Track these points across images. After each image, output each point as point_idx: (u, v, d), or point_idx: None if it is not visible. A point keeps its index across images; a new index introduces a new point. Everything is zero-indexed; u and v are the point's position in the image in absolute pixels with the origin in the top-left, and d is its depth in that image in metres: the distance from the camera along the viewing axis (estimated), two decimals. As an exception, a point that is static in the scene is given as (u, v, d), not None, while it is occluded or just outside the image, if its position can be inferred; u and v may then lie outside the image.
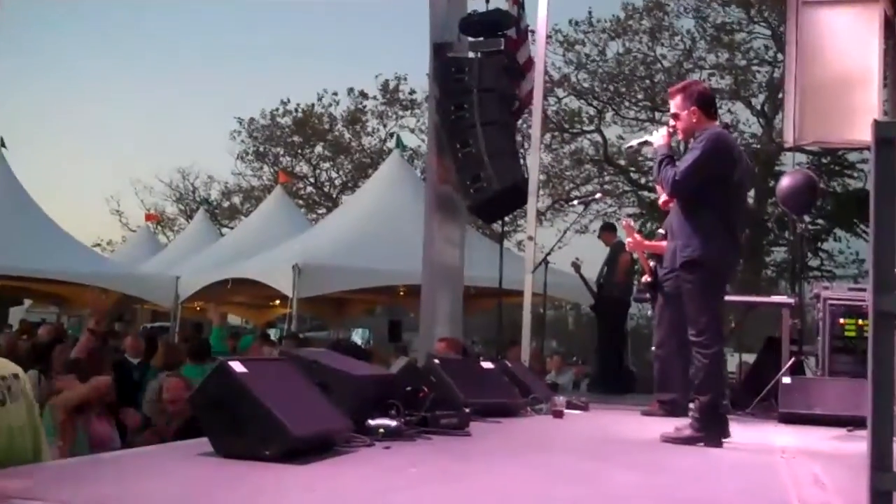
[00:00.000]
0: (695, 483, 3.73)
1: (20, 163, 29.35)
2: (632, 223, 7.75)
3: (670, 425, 5.02)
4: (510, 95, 9.24)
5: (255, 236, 17.22)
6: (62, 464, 3.32)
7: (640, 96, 24.98)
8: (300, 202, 30.52)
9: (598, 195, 16.59)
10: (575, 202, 15.89)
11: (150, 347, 9.70)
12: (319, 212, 31.51)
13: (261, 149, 33.18)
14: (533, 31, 10.09)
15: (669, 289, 6.56)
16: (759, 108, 23.75)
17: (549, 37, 13.05)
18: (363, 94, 30.72)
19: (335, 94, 31.31)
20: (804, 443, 5.33)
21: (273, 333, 15.80)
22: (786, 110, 9.53)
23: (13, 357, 4.52)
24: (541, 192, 22.89)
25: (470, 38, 9.01)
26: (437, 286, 8.84)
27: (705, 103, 5.03)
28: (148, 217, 29.54)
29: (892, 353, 2.17)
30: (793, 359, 7.64)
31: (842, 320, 7.75)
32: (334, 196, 32.55)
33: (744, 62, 23.66)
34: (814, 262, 22.29)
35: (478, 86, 8.61)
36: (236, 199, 35.54)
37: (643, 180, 24.58)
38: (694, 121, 4.97)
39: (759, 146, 22.78)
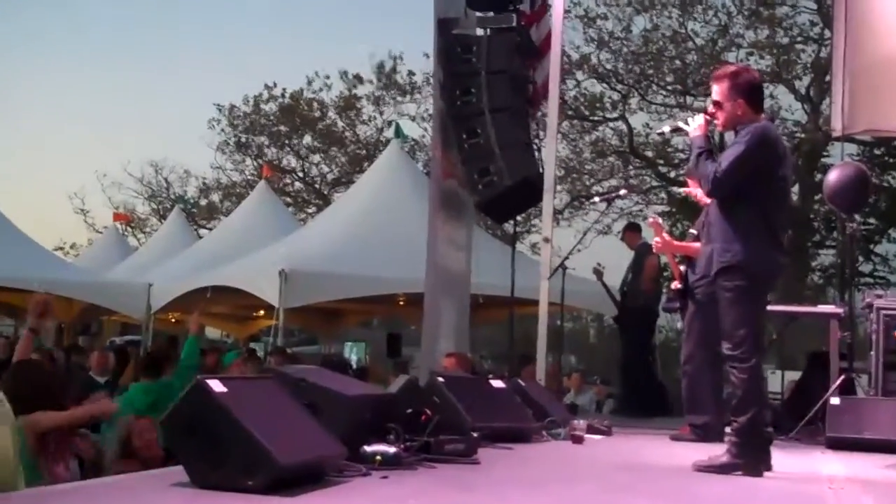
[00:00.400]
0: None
1: (-29, 155, 29.41)
2: (660, 221, 7.71)
3: (702, 452, 5.02)
4: (523, 78, 9.23)
5: (236, 238, 17.24)
6: (16, 495, 3.32)
7: (669, 79, 24.94)
8: (287, 200, 30.57)
9: (622, 191, 16.52)
10: (596, 199, 15.82)
11: (120, 364, 9.68)
12: (309, 211, 31.61)
13: (243, 139, 33.25)
14: (549, 6, 10.09)
15: (701, 296, 6.57)
16: (803, 92, 23.72)
17: (567, 11, 13.06)
18: (357, 78, 30.80)
19: (326, 77, 31.42)
20: (854, 471, 5.32)
21: (258, 348, 15.81)
22: (834, 95, 9.54)
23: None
24: (558, 188, 22.97)
25: (478, 14, 9.01)
26: (441, 295, 8.84)
27: (754, 95, 5.05)
28: (116, 217, 29.60)
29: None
30: (842, 376, 7.62)
31: (897, 333, 7.74)
32: (325, 193, 32.61)
33: (786, 40, 23.63)
34: (865, 267, 22.28)
35: (487, 67, 8.60)
36: (215, 197, 35.64)
37: (673, 174, 24.59)
38: (739, 113, 4.98)
39: (803, 135, 22.76)
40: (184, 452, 3.40)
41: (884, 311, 7.79)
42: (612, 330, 16.61)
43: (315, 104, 31.78)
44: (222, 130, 33.12)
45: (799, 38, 23.54)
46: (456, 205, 9.17)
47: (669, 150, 24.64)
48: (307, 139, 32.72)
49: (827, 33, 20.75)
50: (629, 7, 24.21)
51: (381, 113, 31.24)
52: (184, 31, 64.03)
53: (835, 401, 6.93)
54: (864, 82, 9.09)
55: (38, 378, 4.83)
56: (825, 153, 22.09)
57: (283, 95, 31.81)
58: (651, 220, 7.73)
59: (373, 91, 30.91)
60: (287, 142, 32.91)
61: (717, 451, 4.90)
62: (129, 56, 64.79)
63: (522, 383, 6.98)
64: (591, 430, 6.49)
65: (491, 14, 8.95)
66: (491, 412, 5.60)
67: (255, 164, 32.52)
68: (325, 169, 33.47)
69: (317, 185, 33.42)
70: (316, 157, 33.27)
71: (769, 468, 4.85)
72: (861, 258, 20.96)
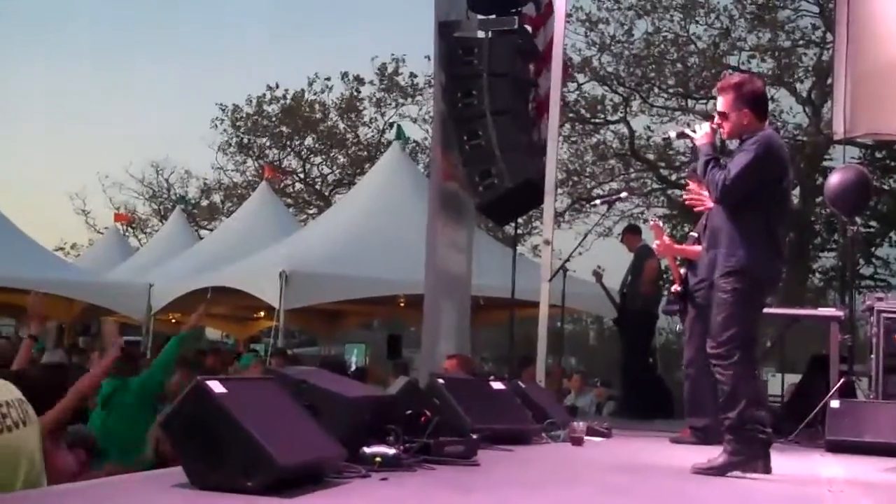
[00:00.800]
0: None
1: (-27, 155, 29.44)
2: (660, 224, 7.72)
3: (702, 454, 5.03)
4: (525, 81, 9.24)
5: (237, 239, 17.26)
6: (17, 495, 3.33)
7: (670, 82, 24.97)
8: (288, 201, 30.61)
9: (623, 194, 16.54)
10: (597, 202, 15.87)
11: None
12: (310, 212, 31.62)
13: (244, 140, 33.26)
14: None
15: (701, 299, 6.58)
16: (804, 95, 23.73)
17: (568, 15, 13.07)
18: (359, 80, 30.80)
19: (328, 78, 31.46)
20: (854, 474, 5.32)
21: (259, 349, 15.80)
22: (835, 98, 9.54)
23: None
24: (559, 191, 22.95)
25: (479, 16, 9.02)
26: (442, 296, 8.84)
27: (759, 105, 5.13)
28: (117, 217, 29.63)
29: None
30: (842, 380, 7.62)
31: (898, 336, 7.74)
32: (327, 194, 32.64)
33: (788, 43, 23.65)
34: (866, 270, 22.28)
35: (488, 70, 8.62)
36: (216, 198, 35.66)
37: (674, 177, 24.59)
38: (745, 123, 5.05)
39: (804, 138, 22.78)
40: (184, 452, 3.41)
41: (884, 314, 7.79)
42: (613, 332, 16.60)
43: (317, 105, 31.80)
44: (224, 131, 33.20)
45: (801, 42, 23.56)
46: (456, 207, 9.17)
47: (671, 152, 24.65)
48: (309, 140, 32.75)
49: (829, 37, 20.75)
50: (630, 11, 24.25)
51: (383, 115, 31.33)
52: (185, 31, 64.09)
53: (835, 404, 6.94)
54: (866, 86, 9.10)
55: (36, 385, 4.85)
56: (827, 156, 22.10)
57: (284, 96, 31.86)
58: (652, 223, 7.74)
59: (374, 93, 30.97)
60: (288, 143, 32.93)
61: (716, 454, 4.92)
62: (130, 56, 64.88)
63: (522, 385, 6.98)
64: (591, 432, 6.49)
65: (493, 17, 8.96)
66: (491, 414, 5.61)
67: (257, 164, 32.55)
68: (327, 170, 33.57)
69: (318, 187, 33.45)
70: (317, 159, 33.34)
71: (769, 471, 4.86)
72: (862, 261, 20.97)
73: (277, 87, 31.91)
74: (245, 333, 21.47)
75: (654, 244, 7.60)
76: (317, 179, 33.58)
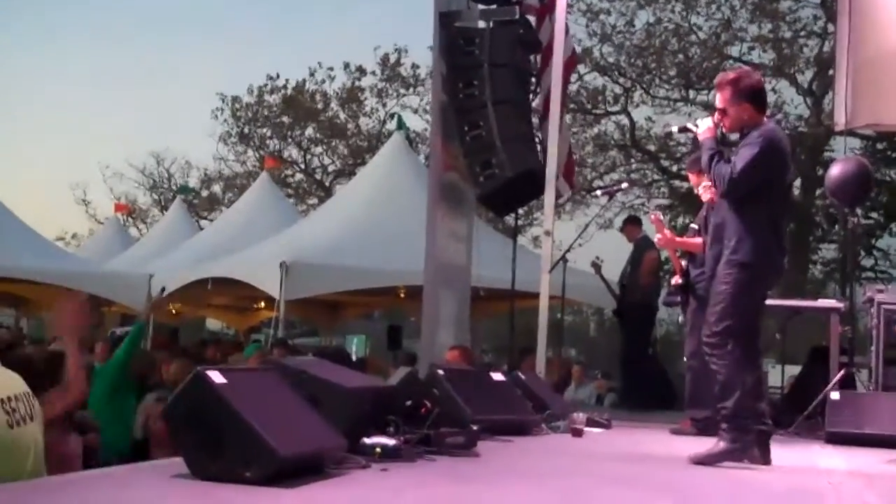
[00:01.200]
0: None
1: (-27, 145, 29.45)
2: (661, 217, 7.72)
3: (702, 445, 5.04)
4: (526, 71, 9.23)
5: (237, 230, 17.24)
6: (15, 485, 3.34)
7: (672, 72, 24.91)
8: (289, 191, 30.59)
9: (624, 185, 16.47)
10: (598, 193, 15.85)
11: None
12: (310, 202, 31.59)
13: (245, 130, 33.22)
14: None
15: (702, 291, 6.58)
16: (806, 86, 23.69)
17: (569, 5, 13.04)
18: (360, 70, 30.74)
19: (330, 69, 31.36)
20: (854, 466, 5.33)
21: (261, 339, 15.79)
22: (836, 89, 9.54)
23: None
24: (559, 181, 22.88)
25: (480, 6, 9.01)
26: (441, 287, 8.84)
27: (757, 98, 5.16)
28: (118, 207, 29.61)
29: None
30: (842, 371, 7.64)
31: (898, 327, 7.75)
32: (327, 184, 32.61)
33: (789, 34, 23.60)
34: (867, 262, 22.28)
35: (489, 60, 8.61)
36: (217, 188, 35.67)
37: (675, 168, 24.57)
38: (746, 117, 5.09)
39: (805, 129, 22.74)
40: (184, 443, 3.41)
41: (884, 306, 7.81)
42: (613, 323, 16.60)
43: (318, 96, 31.74)
44: (225, 121, 33.15)
45: (802, 33, 23.50)
46: (456, 197, 9.17)
47: (671, 143, 24.61)
48: (309, 131, 32.68)
49: (830, 27, 20.73)
50: (632, 1, 24.18)
51: (384, 105, 31.25)
52: (187, 21, 63.98)
53: (835, 395, 6.95)
54: (867, 77, 9.09)
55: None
56: (827, 147, 22.08)
57: (285, 87, 31.80)
58: (653, 216, 7.74)
59: (376, 83, 30.89)
60: (289, 133, 32.88)
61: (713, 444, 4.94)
62: (130, 46, 64.77)
63: (522, 376, 6.99)
64: (591, 423, 6.50)
65: (493, 6, 8.95)
66: (491, 405, 5.62)
67: (257, 155, 32.53)
68: (327, 161, 33.53)
69: (318, 177, 33.42)
70: (318, 149, 33.28)
71: (769, 462, 4.87)
72: (862, 253, 20.97)
73: (278, 77, 31.91)
74: (245, 324, 21.48)
75: (656, 238, 7.60)
76: (317, 170, 33.57)
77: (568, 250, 9.97)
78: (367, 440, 4.06)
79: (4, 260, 14.44)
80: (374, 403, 4.39)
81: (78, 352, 4.66)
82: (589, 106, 25.52)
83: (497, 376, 6.39)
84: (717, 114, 5.19)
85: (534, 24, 9.52)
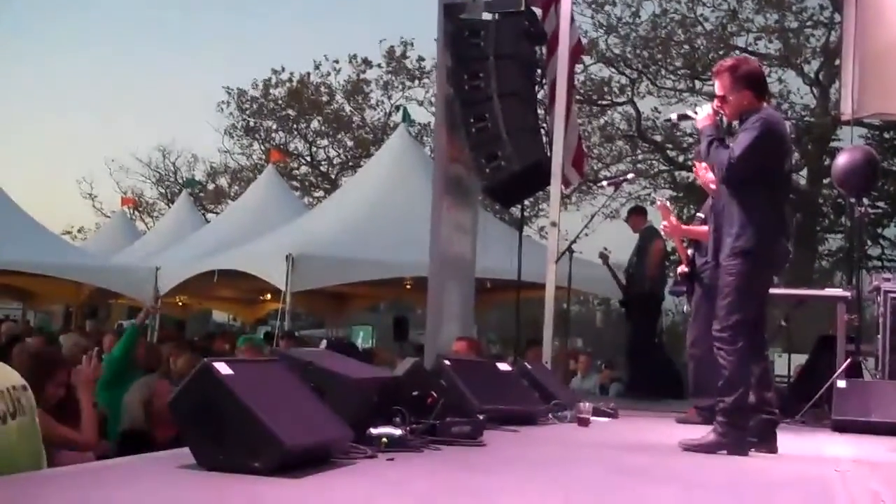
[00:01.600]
0: (736, 500, 3.73)
1: (-21, 140, 29.53)
2: (667, 205, 7.69)
3: (704, 433, 5.04)
4: (532, 63, 9.22)
5: (243, 223, 17.27)
6: (20, 477, 3.35)
7: (678, 63, 24.89)
8: (295, 184, 30.61)
9: (630, 175, 16.51)
10: (604, 183, 15.83)
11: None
12: (316, 195, 31.58)
13: (251, 123, 33.22)
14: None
15: (708, 279, 6.58)
16: (812, 76, 23.65)
17: (575, -3, 12.99)
18: (366, 62, 30.71)
19: (335, 61, 31.32)
20: (861, 454, 5.33)
21: (258, 332, 15.81)
22: (843, 79, 9.51)
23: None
24: (569, 170, 22.83)
25: (485, -2, 9.00)
26: (446, 279, 8.85)
27: (756, 84, 5.14)
28: (124, 201, 29.76)
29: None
30: (849, 359, 7.62)
31: (905, 316, 7.73)
32: (333, 177, 32.60)
33: (796, 24, 23.55)
34: (874, 251, 22.24)
35: (495, 52, 8.59)
36: (223, 181, 35.69)
37: (681, 158, 24.55)
38: (745, 103, 5.08)
39: (812, 119, 22.72)
40: (190, 434, 3.42)
41: (891, 294, 7.79)
42: (619, 314, 16.62)
43: (323, 88, 31.72)
44: (231, 114, 33.15)
45: (808, 23, 23.45)
46: (461, 189, 9.16)
47: (678, 133, 24.58)
48: (315, 123, 32.68)
49: (836, 17, 20.68)
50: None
51: (390, 97, 31.21)
52: (191, 15, 63.91)
53: (841, 384, 6.95)
54: (874, 66, 9.06)
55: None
56: (834, 137, 22.06)
57: (290, 79, 31.77)
58: (659, 203, 7.71)
59: (381, 75, 30.86)
60: (295, 126, 32.87)
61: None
62: (135, 40, 64.76)
63: (528, 366, 6.99)
64: (598, 412, 6.50)
65: (499, -2, 8.93)
66: (497, 395, 5.62)
67: (263, 148, 32.53)
68: (333, 153, 33.52)
69: (324, 170, 33.41)
70: (323, 142, 33.27)
71: (775, 450, 4.87)
72: (869, 242, 20.94)
73: (283, 70, 31.88)
74: (252, 316, 21.54)
75: (662, 225, 7.59)
76: (323, 162, 33.56)
77: (574, 241, 9.97)
78: (373, 430, 4.06)
79: (12, 254, 14.49)
80: (380, 394, 4.40)
81: (91, 404, 4.83)
82: (595, 97, 25.48)
83: (503, 367, 6.39)
84: (716, 101, 5.18)
85: (539, 15, 9.50)
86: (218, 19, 64.67)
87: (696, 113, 5.32)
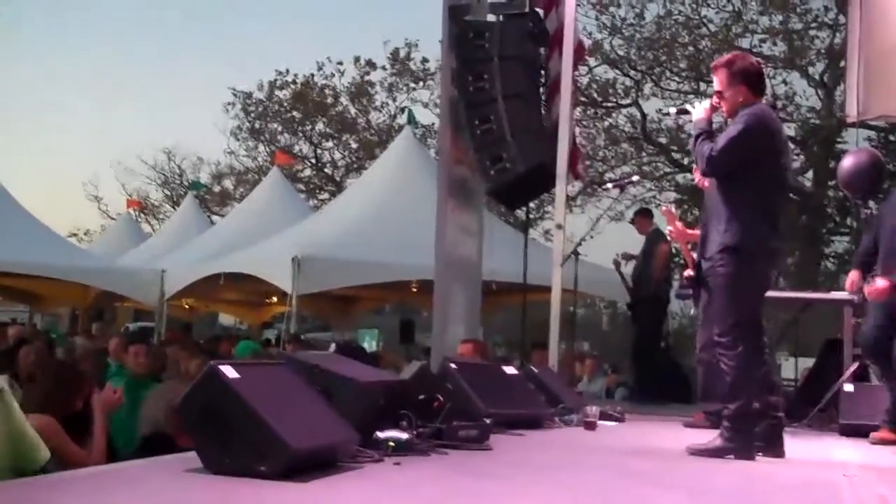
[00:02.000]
0: (744, 504, 3.72)
1: (-15, 143, 29.61)
2: (672, 210, 7.69)
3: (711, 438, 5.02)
4: (537, 64, 9.21)
5: (249, 225, 17.28)
6: (25, 481, 3.34)
7: (682, 65, 24.83)
8: (300, 186, 30.61)
9: (635, 178, 16.53)
10: (609, 186, 15.78)
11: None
12: (321, 197, 31.62)
13: (256, 125, 33.23)
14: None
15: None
16: (817, 77, 23.60)
17: (579, -2, 12.97)
18: (370, 64, 30.70)
19: (339, 63, 31.31)
20: (869, 459, 5.31)
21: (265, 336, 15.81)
22: (848, 81, 9.49)
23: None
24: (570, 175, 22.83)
25: (490, 0, 8.99)
26: (452, 281, 8.83)
27: (753, 80, 5.11)
28: (130, 203, 29.72)
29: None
30: (856, 363, 7.60)
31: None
32: (338, 179, 32.61)
33: (800, 26, 23.49)
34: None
35: (499, 53, 8.58)
36: (228, 183, 35.72)
37: (686, 161, 24.50)
38: (741, 99, 5.05)
39: (817, 121, 22.66)
40: (197, 438, 3.42)
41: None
42: (626, 317, 16.61)
43: (328, 90, 31.71)
44: (236, 116, 33.18)
45: (813, 24, 23.38)
46: (466, 191, 9.15)
47: (683, 136, 24.55)
48: (320, 126, 32.66)
49: (841, 19, 20.62)
50: (643, -6, 24.11)
51: (395, 99, 31.20)
52: (192, 15, 64.03)
53: (848, 387, 6.93)
54: (879, 68, 9.04)
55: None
56: (840, 139, 21.97)
57: (294, 81, 31.76)
58: (664, 208, 7.71)
59: (386, 77, 30.85)
60: (300, 128, 32.88)
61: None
62: (141, 42, 64.88)
63: (535, 369, 6.98)
64: (604, 416, 6.48)
65: (503, 0, 8.93)
66: (504, 398, 5.61)
67: (268, 150, 32.55)
68: (338, 155, 33.49)
69: (329, 172, 33.43)
70: (328, 144, 33.25)
71: (782, 455, 4.86)
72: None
73: (288, 72, 31.89)
74: (258, 319, 21.55)
75: (668, 230, 7.58)
76: (328, 164, 33.57)
77: (580, 243, 9.98)
78: (380, 434, 4.06)
79: (18, 256, 14.51)
80: (387, 397, 4.39)
81: (104, 429, 4.86)
82: (600, 99, 25.47)
83: (510, 370, 6.38)
84: (715, 97, 5.17)
85: (541, 15, 9.49)
86: (219, 20, 64.79)
87: (694, 108, 5.31)
